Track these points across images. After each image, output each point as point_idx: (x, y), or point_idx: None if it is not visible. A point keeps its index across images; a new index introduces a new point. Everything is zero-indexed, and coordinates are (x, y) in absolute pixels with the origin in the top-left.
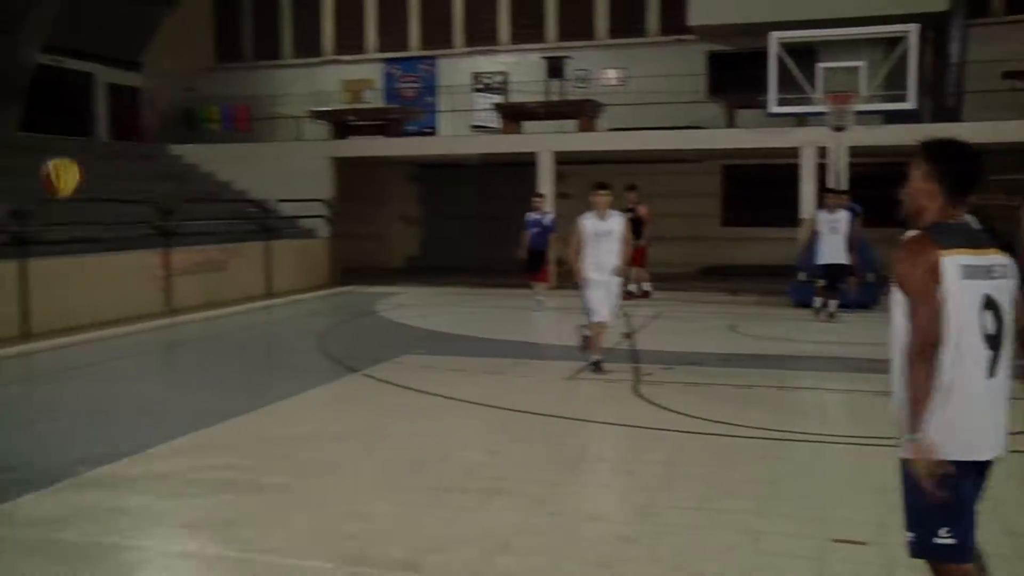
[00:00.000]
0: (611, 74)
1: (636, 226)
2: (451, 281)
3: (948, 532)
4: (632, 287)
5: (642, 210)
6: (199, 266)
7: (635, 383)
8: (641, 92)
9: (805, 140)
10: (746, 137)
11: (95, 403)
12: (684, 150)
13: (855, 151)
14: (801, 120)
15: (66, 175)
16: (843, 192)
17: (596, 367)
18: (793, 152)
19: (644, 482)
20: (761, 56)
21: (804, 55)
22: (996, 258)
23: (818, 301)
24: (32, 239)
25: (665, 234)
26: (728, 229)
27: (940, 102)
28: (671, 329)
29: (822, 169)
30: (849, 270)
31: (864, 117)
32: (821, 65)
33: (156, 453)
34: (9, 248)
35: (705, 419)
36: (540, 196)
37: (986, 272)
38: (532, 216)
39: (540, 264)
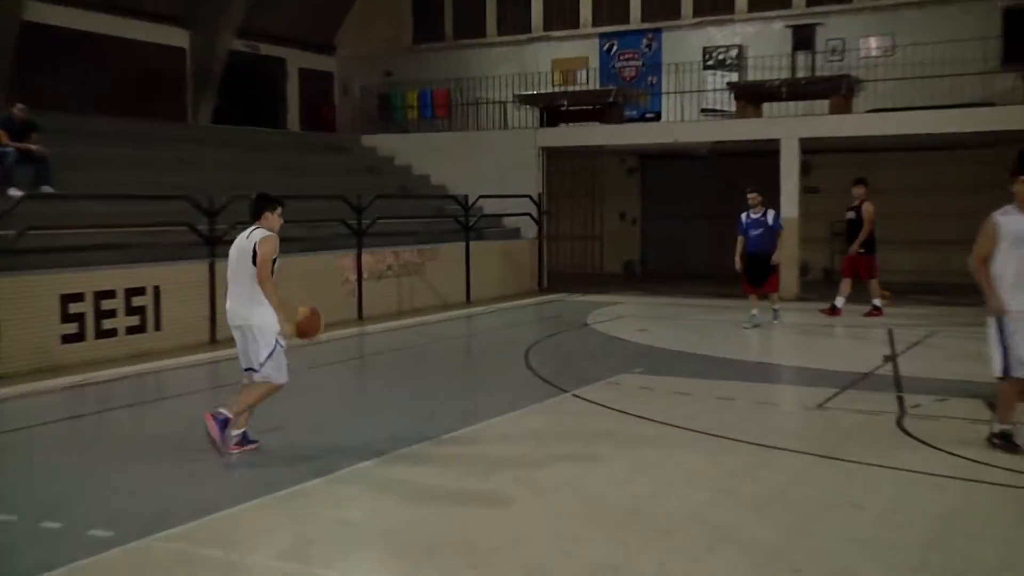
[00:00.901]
0: (873, 43)
1: (856, 228)
2: (677, 290)
3: None
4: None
5: (867, 208)
6: (393, 269)
7: (899, 416)
8: (912, 64)
9: None
10: None
11: (307, 410)
12: (968, 134)
13: None
14: None
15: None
16: None
17: (1008, 442)
18: None
19: (915, 538)
20: None
21: None
22: None
23: None
24: (221, 238)
25: (940, 237)
26: None
27: None
28: (945, 352)
29: None
30: None
31: None
32: None
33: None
34: (199, 248)
35: (990, 464)
36: (754, 193)
37: None
38: (749, 216)
39: (766, 272)
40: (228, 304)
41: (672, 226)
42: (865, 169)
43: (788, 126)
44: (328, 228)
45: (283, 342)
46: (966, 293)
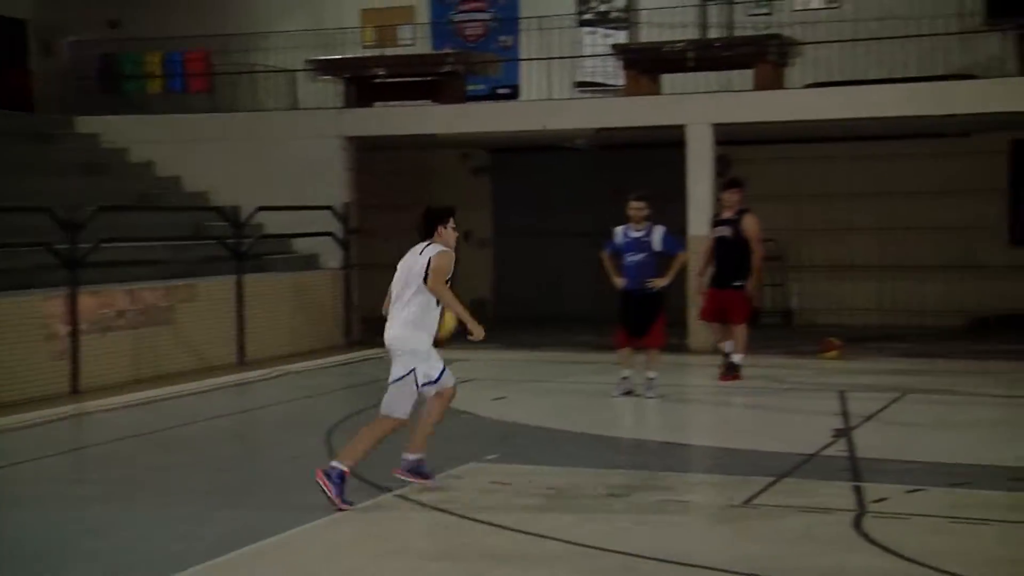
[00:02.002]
0: None
1: (734, 250)
2: (545, 339)
3: None
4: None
5: (751, 223)
6: (126, 317)
7: (857, 514)
8: (866, 21)
9: None
10: None
11: None
12: (942, 117)
13: None
14: None
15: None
16: None
17: None
18: None
19: None
20: None
21: None
22: None
23: None
24: None
25: (909, 260)
26: (1021, 251)
27: None
28: (917, 424)
29: None
30: None
31: None
32: None
33: None
34: None
35: None
36: (641, 202)
37: None
38: (628, 234)
39: (649, 315)
40: (387, 326)
41: (537, 248)
42: (808, 166)
43: (697, 107)
44: (24, 256)
45: (421, 378)
46: (944, 338)
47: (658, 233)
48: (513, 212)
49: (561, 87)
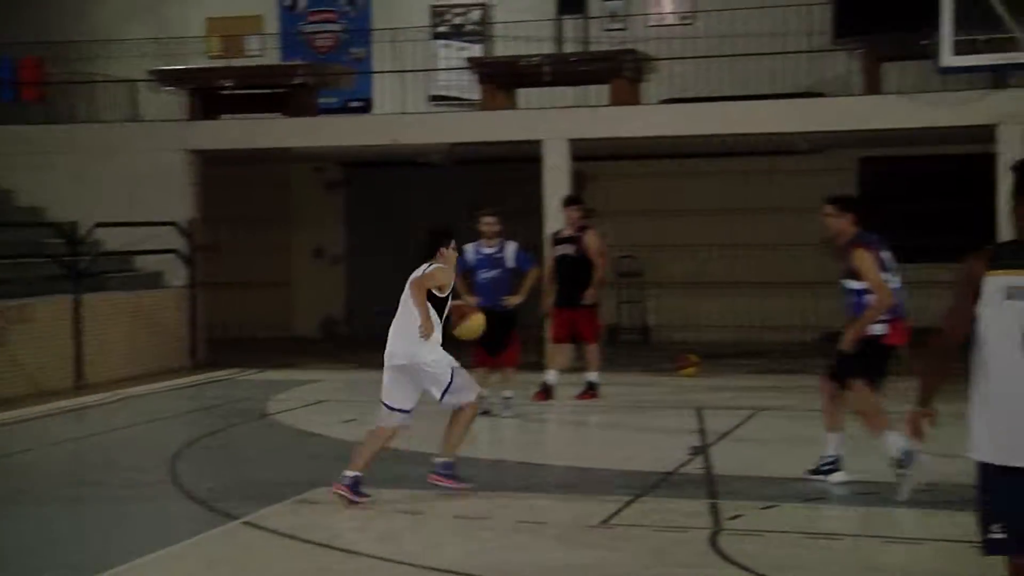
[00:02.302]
0: (666, 7)
1: (579, 267)
2: None
3: (1000, 528)
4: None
5: (594, 239)
6: None
7: (713, 531)
8: (719, 38)
9: (1005, 114)
10: (900, 109)
11: None
12: (793, 134)
13: None
14: (997, 80)
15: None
16: None
17: None
18: (983, 133)
19: None
20: None
21: None
22: None
23: None
24: None
25: (762, 276)
26: None
27: None
28: (773, 440)
29: None
30: None
31: None
32: None
33: None
34: None
35: None
36: (490, 216)
37: None
38: (480, 250)
39: (505, 334)
40: (390, 340)
41: (392, 265)
42: (664, 182)
43: (553, 122)
44: None
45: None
46: (799, 354)
47: (511, 249)
48: (367, 228)
49: (415, 101)
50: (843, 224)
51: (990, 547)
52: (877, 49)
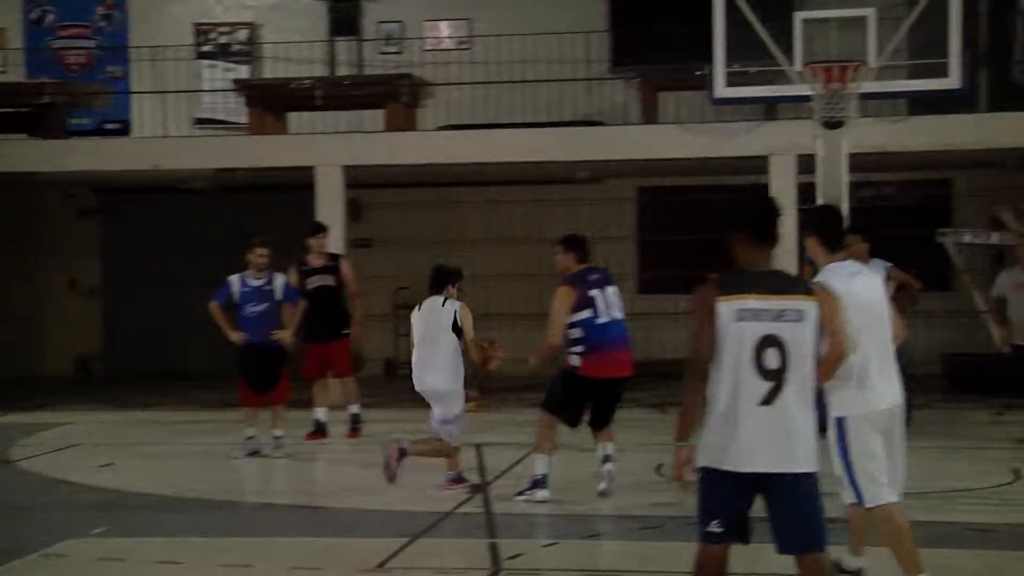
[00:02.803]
0: (443, 31)
1: (336, 298)
2: (162, 399)
3: (717, 524)
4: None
5: (349, 267)
6: None
7: (493, 572)
8: (497, 64)
9: (775, 145)
10: (676, 139)
11: None
12: (571, 162)
13: (860, 162)
14: (770, 110)
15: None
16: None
17: None
18: (757, 164)
19: None
20: (700, 0)
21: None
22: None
23: None
24: None
25: (545, 309)
26: (648, 299)
27: (1004, 77)
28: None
29: (805, 192)
30: None
31: (875, 104)
32: (802, 16)
33: None
34: None
35: None
36: (263, 247)
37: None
38: (246, 282)
39: (274, 370)
40: (422, 373)
41: (154, 298)
42: (443, 211)
43: (326, 148)
44: None
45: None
46: None
47: (279, 281)
48: (126, 259)
49: (178, 124)
50: (567, 261)
51: (707, 538)
52: (653, 79)
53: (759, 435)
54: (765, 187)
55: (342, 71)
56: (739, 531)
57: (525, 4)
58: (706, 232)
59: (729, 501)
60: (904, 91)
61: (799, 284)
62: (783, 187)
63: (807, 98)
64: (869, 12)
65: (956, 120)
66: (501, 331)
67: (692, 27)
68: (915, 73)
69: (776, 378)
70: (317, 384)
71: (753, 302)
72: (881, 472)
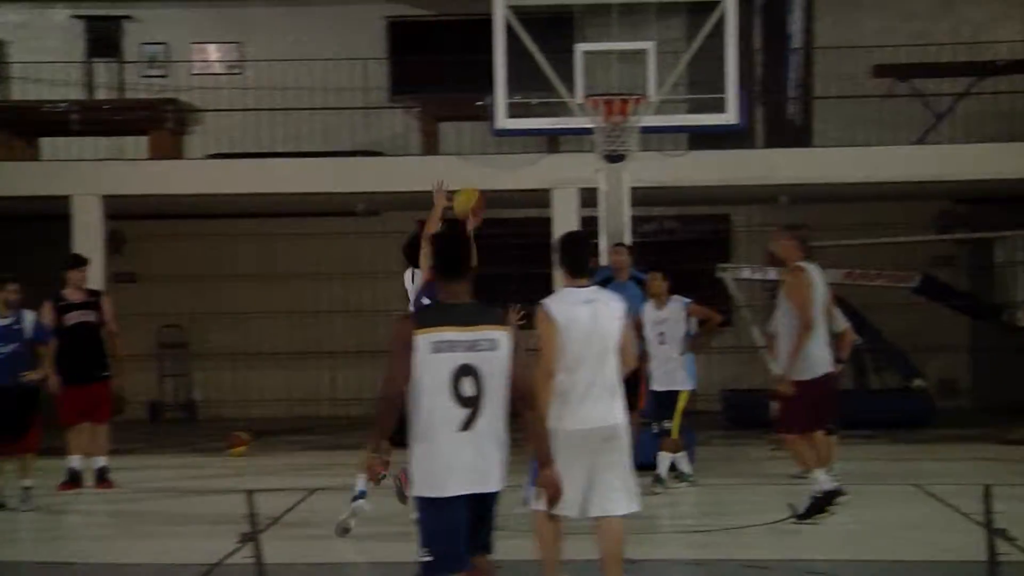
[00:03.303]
0: (212, 54)
1: (96, 336)
2: None
3: (426, 551)
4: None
5: (108, 304)
6: None
7: None
8: (270, 90)
9: (558, 178)
10: (457, 171)
11: None
12: (347, 195)
13: (643, 196)
14: (552, 143)
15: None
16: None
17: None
18: (540, 198)
19: None
20: (480, 29)
21: (554, 29)
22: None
23: (665, 461)
24: None
25: (323, 347)
26: None
27: (779, 113)
28: (329, 520)
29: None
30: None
31: (656, 139)
32: (583, 48)
33: None
34: None
35: None
36: (13, 284)
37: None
38: None
39: (23, 415)
40: (590, 408)
41: None
42: (213, 244)
43: (83, 176)
44: None
45: None
46: (359, 427)
47: (29, 319)
48: None
49: None
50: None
51: (423, 569)
52: (433, 108)
53: (460, 459)
54: (455, 223)
55: (101, 94)
56: (460, 556)
57: (299, 28)
58: (488, 267)
59: (445, 524)
60: (684, 126)
61: (492, 315)
62: (566, 221)
63: (589, 131)
64: (649, 45)
65: (734, 155)
66: (263, 370)
67: (473, 56)
68: (695, 108)
69: (472, 405)
70: (73, 430)
71: (449, 334)
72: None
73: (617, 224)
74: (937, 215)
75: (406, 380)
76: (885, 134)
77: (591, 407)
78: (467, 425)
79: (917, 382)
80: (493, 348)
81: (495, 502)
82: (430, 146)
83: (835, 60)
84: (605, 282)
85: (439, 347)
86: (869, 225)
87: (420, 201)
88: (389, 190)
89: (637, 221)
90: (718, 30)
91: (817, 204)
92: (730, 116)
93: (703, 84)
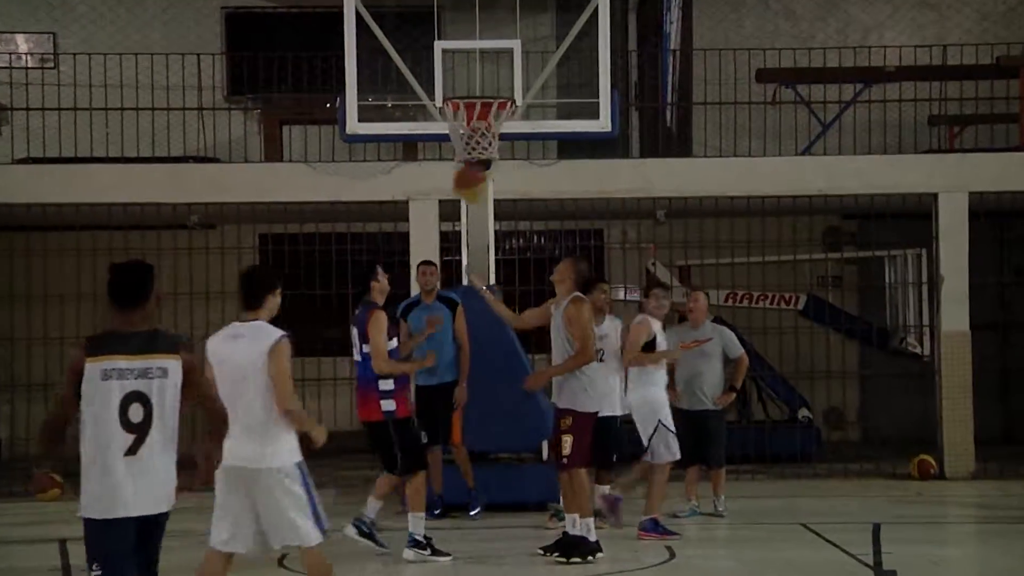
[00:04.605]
0: (21, 45)
1: None
2: None
3: (97, 569)
4: None
5: None
6: None
7: None
8: (89, 87)
9: (416, 188)
10: (302, 180)
11: None
12: (179, 205)
13: (509, 208)
14: (409, 149)
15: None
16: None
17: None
18: (396, 209)
19: None
20: (329, 23)
21: (411, 24)
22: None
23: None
24: None
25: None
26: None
27: (655, 121)
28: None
29: (448, 243)
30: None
31: (524, 146)
32: (442, 46)
33: None
34: None
35: None
36: None
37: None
38: None
39: None
40: (232, 446)
41: None
42: (20, 260)
43: None
44: None
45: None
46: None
47: None
48: None
49: None
50: None
51: None
52: (277, 110)
53: (127, 483)
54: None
55: None
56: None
57: (124, 18)
58: (339, 286)
59: (111, 547)
60: (552, 132)
61: (165, 343)
62: (424, 234)
63: (449, 137)
64: (515, 44)
65: (607, 165)
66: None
67: (322, 53)
68: (564, 113)
69: (139, 430)
70: None
71: (120, 362)
72: (221, 520)
73: (481, 238)
74: (824, 232)
75: (73, 405)
76: (769, 144)
77: (233, 445)
78: (133, 450)
79: (803, 413)
80: (164, 376)
81: (162, 525)
82: (272, 152)
83: (715, 63)
84: (411, 306)
85: (108, 374)
86: (752, 242)
87: (261, 213)
88: (226, 200)
89: (502, 236)
90: (590, 29)
91: (697, 219)
92: (603, 122)
93: (574, 88)
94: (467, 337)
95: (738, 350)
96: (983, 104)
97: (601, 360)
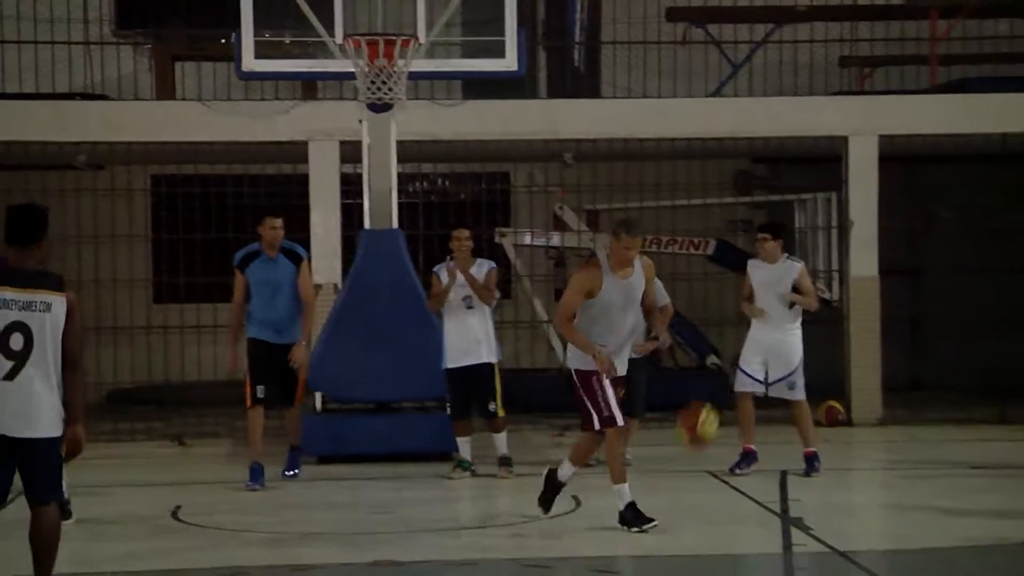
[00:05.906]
0: None
1: None
2: None
3: None
4: None
5: None
6: None
7: None
8: None
9: (315, 129)
10: (196, 120)
11: None
12: (65, 144)
13: (413, 150)
14: (309, 88)
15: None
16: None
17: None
18: (295, 151)
19: None
20: None
21: None
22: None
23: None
24: None
25: None
26: (166, 309)
27: (564, 61)
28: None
29: (350, 185)
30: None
31: (428, 86)
32: None
33: None
34: None
35: None
36: None
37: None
38: None
39: None
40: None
41: None
42: None
43: None
44: None
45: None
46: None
47: None
48: None
49: None
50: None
51: None
52: (169, 46)
53: (3, 405)
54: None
55: None
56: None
57: None
58: (236, 231)
59: None
60: (457, 72)
61: (52, 281)
62: (324, 176)
63: (351, 76)
64: None
65: (514, 106)
66: None
67: None
68: (469, 52)
69: (18, 358)
70: None
71: (7, 293)
72: None
73: (383, 181)
74: (734, 176)
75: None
76: (679, 85)
77: None
78: (11, 376)
79: (712, 360)
80: (47, 310)
81: (44, 450)
82: (165, 90)
83: (624, 2)
84: (250, 256)
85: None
86: (661, 186)
87: (153, 153)
88: (116, 140)
89: (405, 178)
90: None
91: (606, 163)
92: (509, 62)
93: (479, 26)
94: (311, 294)
95: (665, 299)
96: (894, 45)
97: (470, 308)
